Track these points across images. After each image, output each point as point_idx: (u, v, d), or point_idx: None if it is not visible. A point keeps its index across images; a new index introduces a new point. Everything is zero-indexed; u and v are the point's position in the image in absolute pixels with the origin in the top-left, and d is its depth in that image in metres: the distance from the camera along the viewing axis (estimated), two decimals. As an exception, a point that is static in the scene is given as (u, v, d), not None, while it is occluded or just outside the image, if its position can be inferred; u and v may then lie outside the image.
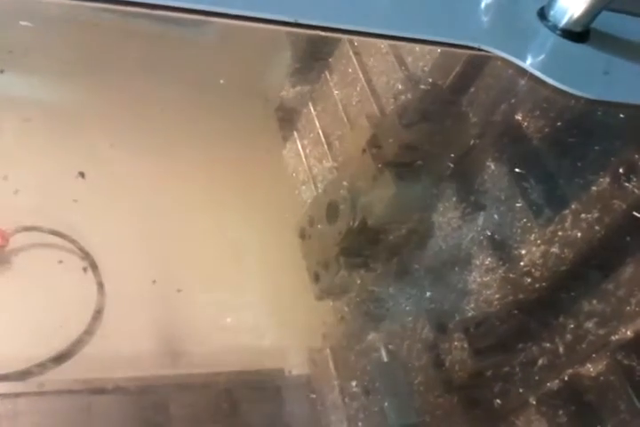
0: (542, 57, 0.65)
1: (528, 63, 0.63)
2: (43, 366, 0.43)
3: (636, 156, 0.56)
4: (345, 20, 0.59)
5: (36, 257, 0.48)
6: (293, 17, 0.57)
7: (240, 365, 0.48)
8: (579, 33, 0.66)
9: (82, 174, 0.53)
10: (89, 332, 0.46)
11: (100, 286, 0.47)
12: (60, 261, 0.48)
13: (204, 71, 0.63)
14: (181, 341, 0.48)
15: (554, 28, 0.66)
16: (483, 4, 0.69)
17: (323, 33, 0.59)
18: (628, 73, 0.66)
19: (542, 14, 0.67)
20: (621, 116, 0.63)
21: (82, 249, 0.49)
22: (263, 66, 0.66)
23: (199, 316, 0.50)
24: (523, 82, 0.63)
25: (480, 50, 0.63)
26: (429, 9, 0.65)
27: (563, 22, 0.66)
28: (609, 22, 0.68)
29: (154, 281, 0.50)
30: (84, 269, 0.48)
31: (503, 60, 0.63)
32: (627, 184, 0.55)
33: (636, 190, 0.54)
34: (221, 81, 0.60)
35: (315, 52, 0.65)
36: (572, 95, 0.62)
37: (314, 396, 0.48)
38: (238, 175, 0.59)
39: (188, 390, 0.46)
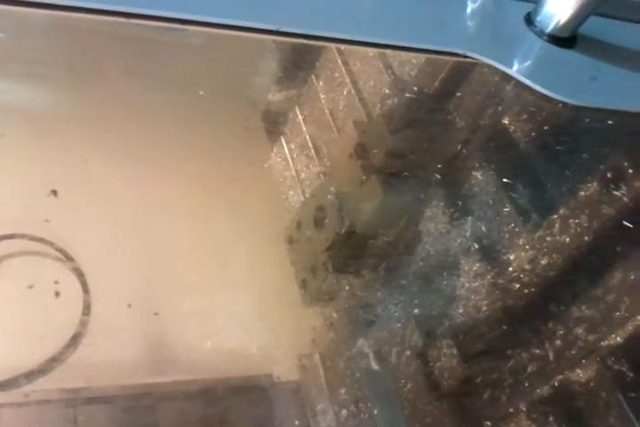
0: (529, 63, 0.65)
1: (514, 69, 0.63)
2: (28, 376, 0.42)
3: (624, 162, 0.56)
4: (329, 27, 0.59)
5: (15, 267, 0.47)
6: (276, 25, 0.57)
7: (228, 371, 0.48)
8: (565, 38, 0.67)
9: (54, 192, 0.51)
10: (74, 341, 0.45)
11: (85, 290, 0.47)
12: (33, 282, 0.47)
13: (189, 75, 0.62)
14: (169, 349, 0.48)
15: (540, 33, 0.66)
16: (468, 10, 0.69)
17: (306, 41, 0.58)
18: (615, 79, 0.67)
19: (529, 20, 0.67)
20: (609, 122, 0.63)
21: (77, 268, 0.48)
22: (249, 70, 0.66)
23: (186, 323, 0.49)
24: (509, 87, 0.63)
25: (466, 57, 0.63)
26: (414, 16, 0.65)
27: (549, 28, 0.66)
28: (596, 27, 0.68)
29: (139, 290, 0.49)
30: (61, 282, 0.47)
31: (489, 66, 0.63)
32: (614, 190, 0.55)
33: (624, 197, 0.54)
34: (201, 92, 0.60)
35: (301, 60, 0.65)
36: (558, 101, 0.62)
37: (303, 403, 0.47)
38: (223, 181, 0.59)
39: (175, 398, 0.45)
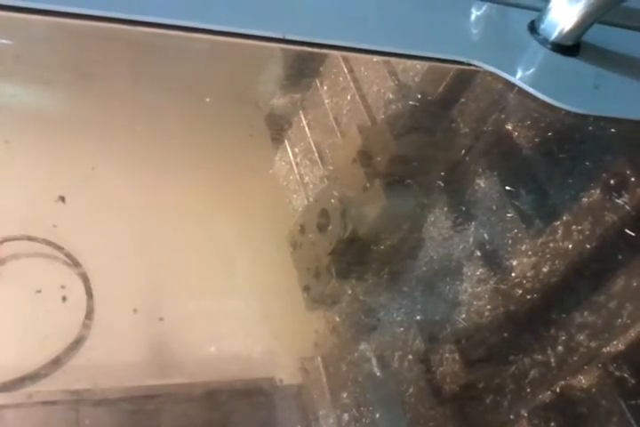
0: (532, 71, 0.65)
1: (518, 77, 0.63)
2: (31, 377, 0.42)
3: (627, 170, 0.56)
4: (333, 35, 0.59)
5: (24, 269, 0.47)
6: (281, 33, 0.57)
7: (231, 374, 0.48)
8: (569, 47, 0.67)
9: (62, 199, 0.51)
10: (78, 342, 0.45)
11: (90, 295, 0.47)
12: (40, 287, 0.47)
13: (194, 80, 0.62)
14: (171, 351, 0.48)
15: (544, 41, 0.67)
16: (472, 18, 0.69)
17: (310, 49, 0.58)
18: (618, 87, 0.67)
19: (532, 28, 0.68)
20: (612, 130, 0.63)
21: (83, 274, 0.48)
22: (254, 74, 0.66)
23: (190, 327, 0.49)
24: (512, 95, 0.63)
25: (469, 64, 0.63)
26: (418, 23, 0.65)
27: (553, 36, 0.66)
28: (600, 36, 0.69)
29: (144, 296, 0.49)
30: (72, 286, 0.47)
31: (493, 74, 0.64)
32: (617, 198, 0.55)
33: (626, 205, 0.55)
34: (207, 99, 0.60)
35: (305, 65, 0.65)
36: (562, 109, 0.62)
37: (305, 406, 0.47)
38: (228, 185, 0.59)
39: (178, 401, 0.45)
